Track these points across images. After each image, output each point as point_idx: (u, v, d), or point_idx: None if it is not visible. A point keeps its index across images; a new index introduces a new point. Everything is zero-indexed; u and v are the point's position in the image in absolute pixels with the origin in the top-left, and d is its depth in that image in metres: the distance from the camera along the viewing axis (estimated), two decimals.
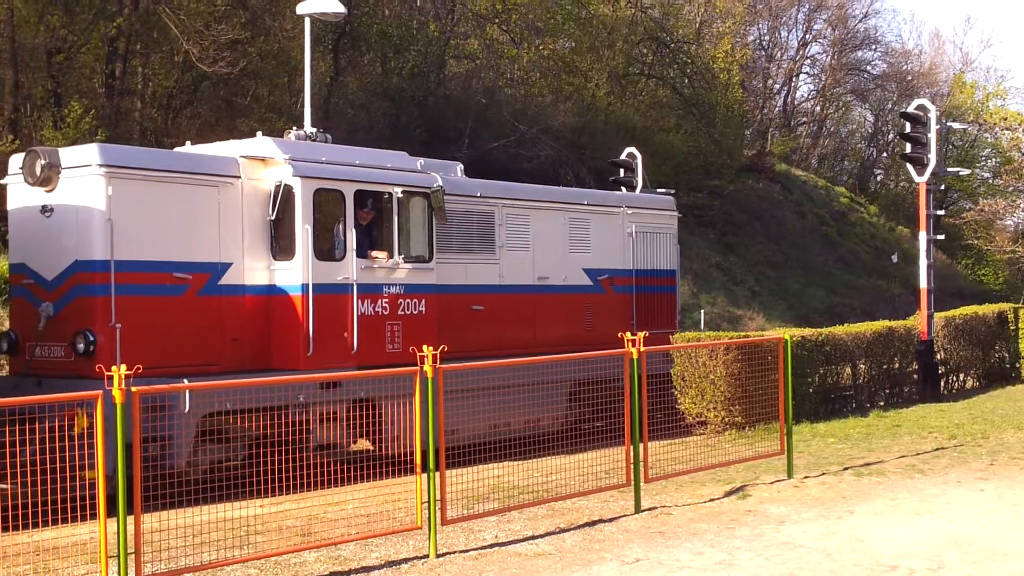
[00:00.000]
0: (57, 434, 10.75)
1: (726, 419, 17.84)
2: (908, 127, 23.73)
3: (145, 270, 13.80)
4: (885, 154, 70.09)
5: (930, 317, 23.05)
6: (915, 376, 22.82)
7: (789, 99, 68.60)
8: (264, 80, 35.62)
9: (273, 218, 14.89)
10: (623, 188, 24.27)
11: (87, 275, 13.55)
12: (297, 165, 14.93)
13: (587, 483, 13.06)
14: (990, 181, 63.42)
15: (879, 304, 44.03)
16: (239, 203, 14.69)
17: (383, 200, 15.80)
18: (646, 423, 12.85)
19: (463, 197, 17.10)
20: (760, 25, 64.76)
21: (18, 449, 10.03)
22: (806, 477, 14.27)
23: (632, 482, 12.61)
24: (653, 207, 20.97)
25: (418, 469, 10.65)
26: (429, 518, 10.53)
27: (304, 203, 14.77)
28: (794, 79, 68.17)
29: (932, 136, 23.11)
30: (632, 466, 12.62)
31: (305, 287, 14.69)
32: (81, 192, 13.59)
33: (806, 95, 70.71)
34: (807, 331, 20.06)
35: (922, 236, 23.76)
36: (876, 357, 21.46)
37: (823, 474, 14.50)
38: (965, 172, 30.78)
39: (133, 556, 8.83)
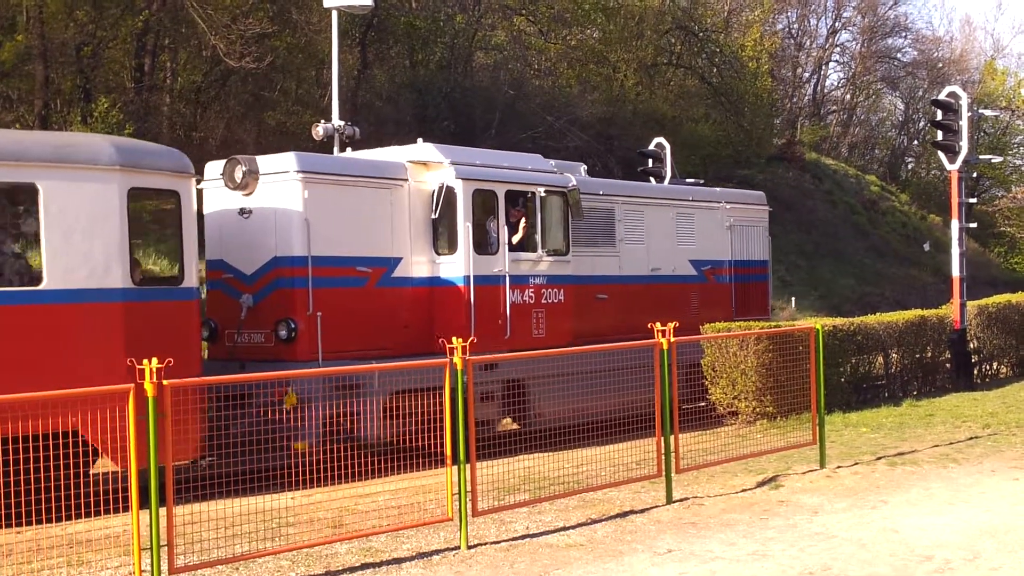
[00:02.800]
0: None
1: (757, 409, 17.74)
2: (939, 114, 23.51)
3: (335, 264, 15.29)
4: (916, 142, 69.61)
5: (963, 306, 22.85)
6: (948, 365, 22.64)
7: (819, 87, 68.26)
8: (291, 74, 35.69)
9: (436, 216, 16.28)
10: (652, 179, 24.19)
11: (286, 269, 14.98)
12: (459, 168, 16.33)
13: (618, 474, 13.01)
14: (1023, 168, 62.89)
15: (911, 293, 43.72)
16: (407, 203, 16.13)
17: (528, 199, 17.12)
18: (677, 413, 12.78)
19: (587, 195, 18.26)
20: (789, 13, 64.44)
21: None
22: (839, 467, 14.17)
23: (663, 473, 12.55)
24: (747, 202, 22.36)
25: (448, 461, 10.63)
26: (460, 509, 10.51)
27: (465, 202, 16.21)
28: (823, 67, 67.83)
29: (964, 123, 22.88)
30: (663, 457, 12.56)
31: (467, 279, 16.17)
32: (279, 195, 15.02)
33: (836, 83, 70.41)
34: (839, 320, 19.90)
35: (954, 224, 23.54)
36: (908, 346, 21.28)
37: (856, 464, 14.40)
38: (997, 159, 30.47)
39: (166, 548, 8.85)
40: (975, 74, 70.82)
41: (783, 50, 61.77)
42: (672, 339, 12.59)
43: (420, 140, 17.07)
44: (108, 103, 28.59)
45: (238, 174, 15.06)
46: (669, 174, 23.95)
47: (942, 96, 23.84)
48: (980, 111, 27.00)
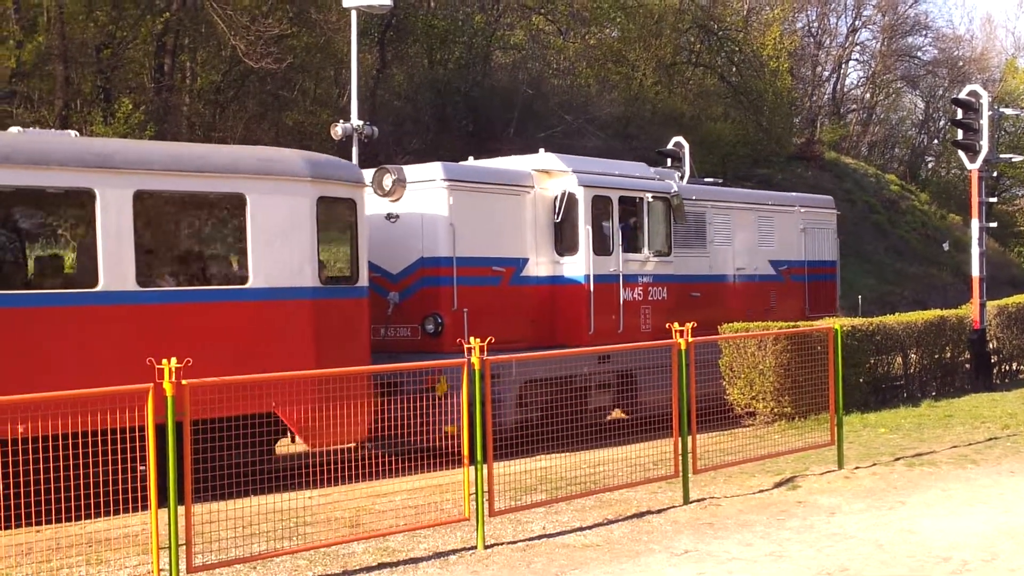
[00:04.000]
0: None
1: (775, 410, 17.69)
2: (960, 113, 23.40)
3: (475, 265, 16.66)
4: (936, 141, 69.28)
5: (982, 306, 22.74)
6: (967, 365, 22.53)
7: (838, 86, 68.03)
8: (310, 73, 35.76)
9: (559, 220, 17.57)
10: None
11: (432, 269, 16.36)
12: (580, 176, 17.66)
13: (635, 474, 13.00)
14: None
15: (930, 293, 43.56)
16: (532, 208, 17.51)
17: (636, 204, 18.41)
18: (695, 414, 12.77)
19: (683, 200, 19.56)
20: (809, 12, 64.20)
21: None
22: (857, 468, 14.13)
23: (680, 473, 12.54)
24: (818, 206, 23.85)
25: (465, 461, 10.64)
26: (477, 509, 10.52)
27: (585, 207, 17.53)
28: (843, 66, 67.55)
29: (984, 122, 22.77)
30: (680, 457, 12.55)
31: (587, 277, 17.51)
32: (426, 201, 16.38)
33: (856, 82, 70.07)
34: (857, 320, 19.82)
35: (974, 224, 23.44)
36: (927, 346, 21.19)
37: (874, 465, 14.35)
38: (1018, 158, 30.28)
39: (184, 547, 8.89)
40: (996, 72, 70.43)
41: (803, 49, 61.56)
42: (690, 339, 12.57)
43: (542, 150, 18.50)
44: (129, 104, 28.71)
45: (387, 182, 16.32)
46: (688, 173, 23.90)
47: (963, 95, 23.73)
48: (1001, 110, 26.83)
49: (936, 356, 21.50)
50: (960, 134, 23.37)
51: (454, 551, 10.35)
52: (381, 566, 9.87)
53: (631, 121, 41.00)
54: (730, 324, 18.80)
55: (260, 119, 33.97)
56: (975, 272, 23.02)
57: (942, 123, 66.63)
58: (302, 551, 10.06)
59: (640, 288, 18.27)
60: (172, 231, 14.13)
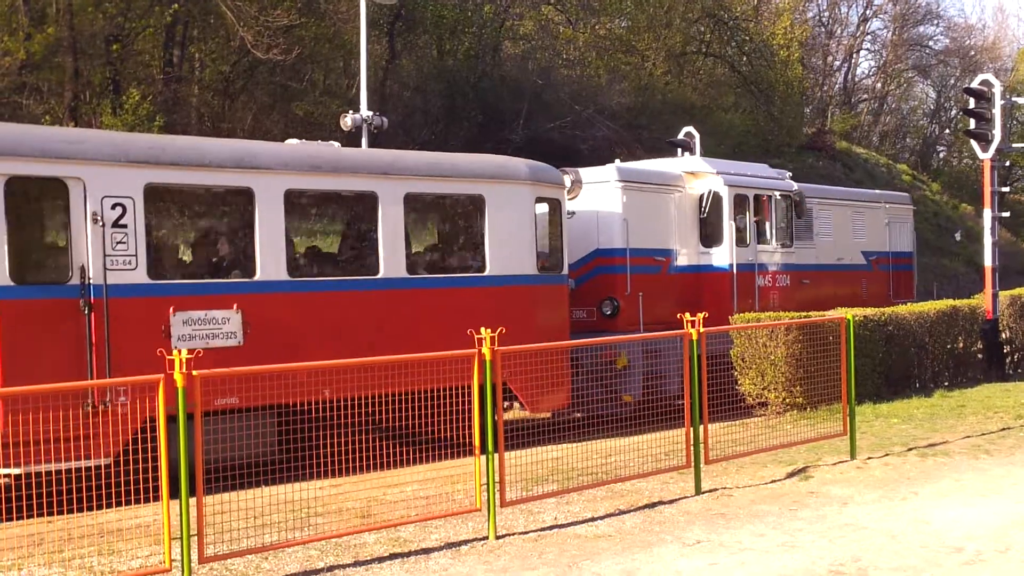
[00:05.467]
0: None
1: (787, 400, 17.64)
2: (972, 103, 23.28)
3: (642, 255, 18.99)
4: (948, 131, 69.02)
5: (995, 296, 22.64)
6: (980, 356, 22.44)
7: (849, 76, 67.78)
8: (319, 64, 35.72)
9: (704, 216, 19.96)
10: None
11: (607, 259, 18.68)
12: (725, 177, 20.16)
13: (646, 465, 12.96)
14: None
15: (943, 283, 43.39)
16: (682, 205, 19.86)
17: (766, 201, 20.78)
18: (706, 404, 12.73)
19: None
20: (819, 1, 63.94)
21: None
22: (869, 458, 14.08)
23: (692, 464, 12.50)
24: (899, 202, 26.58)
25: (477, 451, 10.61)
26: (488, 500, 10.50)
27: (728, 205, 19.97)
28: (854, 55, 67.33)
29: (997, 112, 22.66)
30: (692, 447, 12.51)
31: (730, 266, 19.97)
32: (601, 199, 18.66)
33: (867, 72, 69.90)
34: (870, 311, 19.76)
35: (986, 213, 23.33)
36: (940, 337, 21.10)
37: (886, 455, 14.30)
38: None
39: (196, 538, 8.89)
40: (1008, 62, 70.16)
41: (813, 38, 61.33)
42: (701, 329, 12.53)
43: (687, 153, 21.74)
44: (138, 95, 28.70)
45: (567, 182, 17.73)
46: None
47: (975, 84, 23.60)
48: (1013, 99, 26.70)
49: (949, 346, 21.41)
50: (972, 123, 23.26)
51: (466, 541, 10.34)
52: (393, 556, 9.86)
53: (641, 111, 40.87)
54: (741, 315, 18.79)
55: (269, 110, 33.97)
56: (987, 262, 22.92)
57: (954, 112, 66.39)
58: (313, 541, 10.05)
59: (769, 275, 20.79)
60: (432, 227, 16.80)
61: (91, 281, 12.21)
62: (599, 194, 18.61)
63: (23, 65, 28.19)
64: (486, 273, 15.76)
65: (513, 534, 10.61)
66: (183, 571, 8.77)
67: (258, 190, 13.62)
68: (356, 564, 9.65)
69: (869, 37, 67.90)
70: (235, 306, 13.26)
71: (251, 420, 12.73)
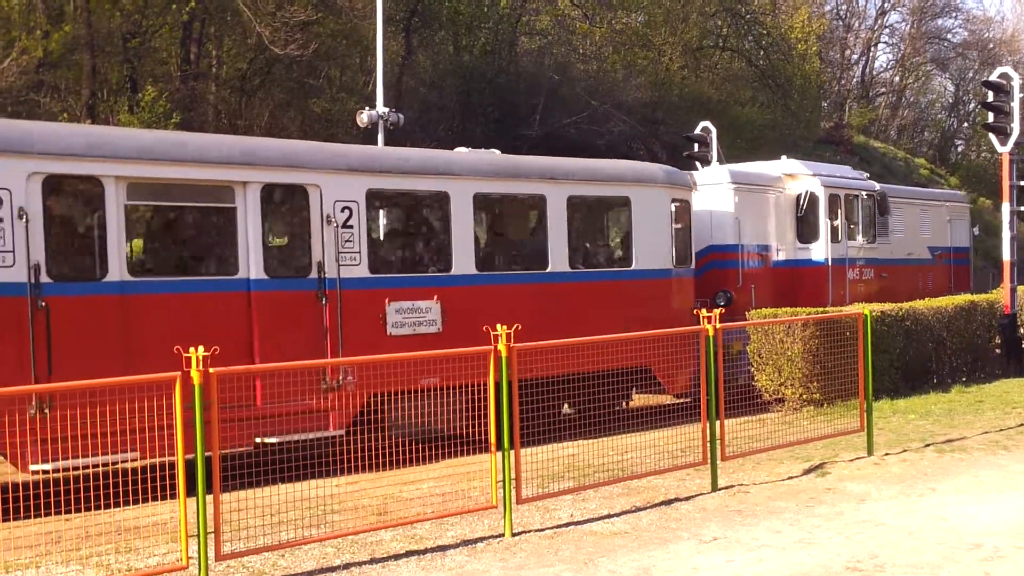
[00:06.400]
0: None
1: (804, 396, 17.59)
2: (990, 96, 23.16)
3: (750, 251, 20.86)
4: (966, 124, 68.67)
5: (1013, 290, 22.54)
6: (998, 351, 22.33)
7: (867, 69, 67.46)
8: (336, 61, 35.73)
9: (800, 215, 21.72)
10: (698, 163, 24.12)
11: (721, 254, 20.43)
12: (821, 178, 21.96)
13: (662, 461, 12.95)
14: None
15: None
16: (781, 205, 21.58)
17: (854, 200, 22.51)
18: (723, 400, 12.71)
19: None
20: None
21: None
22: (886, 454, 14.03)
23: (709, 460, 12.48)
24: (957, 200, 28.74)
25: (493, 448, 10.61)
26: (504, 497, 10.50)
27: (824, 204, 21.78)
28: (872, 49, 67.02)
29: (1015, 105, 22.55)
30: (709, 444, 12.49)
31: (826, 260, 21.81)
32: (715, 199, 20.34)
33: (885, 65, 69.54)
34: (887, 306, 19.69)
35: (1005, 207, 23.21)
36: (958, 332, 21.00)
37: (904, 451, 14.25)
38: None
39: (212, 535, 8.91)
40: None
41: (831, 32, 61.09)
42: (717, 325, 12.50)
43: (785, 157, 23.11)
44: (155, 92, 28.77)
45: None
46: (715, 159, 23.80)
47: (993, 77, 23.49)
48: None
49: (967, 341, 21.31)
50: (990, 117, 23.14)
51: (482, 539, 10.34)
52: (409, 554, 9.87)
53: (658, 106, 40.77)
54: (758, 310, 18.76)
55: (286, 107, 34.00)
56: (1006, 256, 22.82)
57: (972, 106, 65.99)
58: (330, 539, 10.07)
59: (856, 269, 22.56)
60: (589, 226, 17.88)
61: (326, 275, 13.88)
62: (713, 194, 20.26)
63: (41, 63, 28.29)
64: (633, 267, 17.44)
65: (529, 531, 10.61)
66: (200, 569, 8.80)
67: (453, 194, 15.25)
68: (372, 561, 9.66)
69: (887, 30, 67.66)
70: (435, 297, 15.00)
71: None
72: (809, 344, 17.36)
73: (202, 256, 13.89)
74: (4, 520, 9.88)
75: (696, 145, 24.60)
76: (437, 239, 15.63)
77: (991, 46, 67.84)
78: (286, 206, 14.27)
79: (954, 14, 68.66)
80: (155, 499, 9.95)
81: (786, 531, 10.49)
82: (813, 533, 10.40)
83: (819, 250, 21.74)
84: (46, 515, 9.83)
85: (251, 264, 13.37)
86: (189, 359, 8.73)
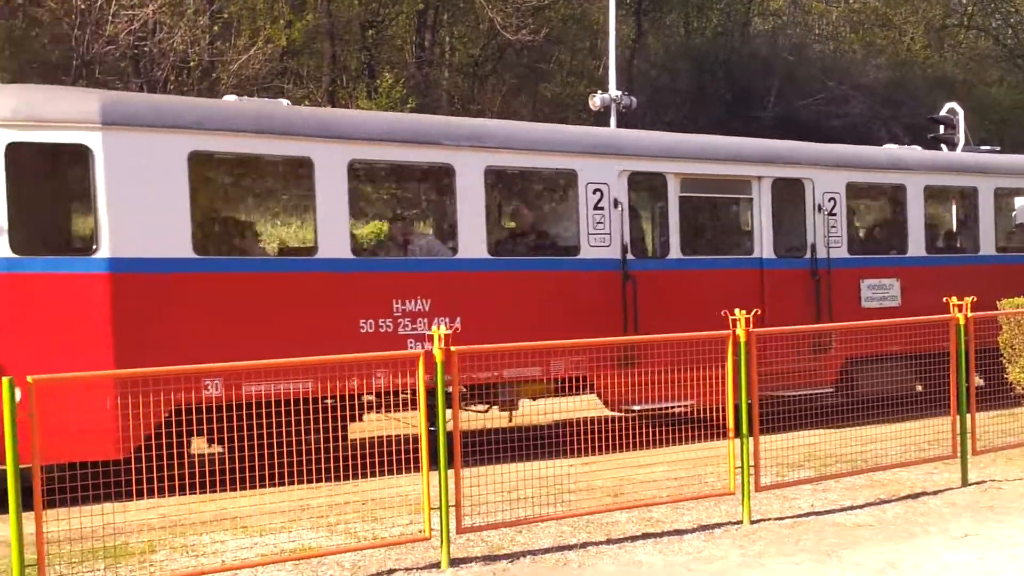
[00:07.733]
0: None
1: None
2: None
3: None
4: None
5: None
6: None
7: None
8: (566, 45, 35.88)
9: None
10: (943, 146, 23.12)
11: None
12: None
13: (907, 453, 12.41)
14: None
15: None
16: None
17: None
18: (973, 392, 12.10)
19: None
20: None
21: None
22: None
23: (959, 453, 11.91)
24: None
25: (731, 434, 10.40)
26: (743, 483, 10.27)
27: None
28: None
29: None
30: (959, 437, 11.91)
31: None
32: None
33: None
34: None
35: None
36: None
37: None
38: None
39: (454, 509, 9.04)
40: None
41: None
42: (969, 315, 11.91)
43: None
44: (391, 79, 29.55)
45: None
46: (962, 141, 22.76)
47: None
48: None
49: None
50: None
51: (719, 524, 10.15)
52: (645, 536, 9.78)
53: (898, 87, 39.30)
54: (1010, 299, 17.80)
55: (517, 92, 34.38)
56: None
57: None
58: (566, 517, 10.08)
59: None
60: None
61: (817, 255, 16.20)
62: None
63: (284, 52, 29.45)
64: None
65: (768, 519, 10.36)
66: (442, 541, 8.94)
67: (909, 186, 17.37)
68: (609, 542, 9.62)
69: None
70: (895, 275, 17.08)
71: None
72: None
73: (727, 238, 16.94)
74: (254, 488, 10.29)
75: (942, 127, 23.55)
76: (897, 225, 17.66)
77: None
78: (788, 197, 16.41)
79: None
80: (395, 472, 10.17)
81: None
82: None
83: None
84: (292, 485, 10.20)
85: (764, 245, 15.96)
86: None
